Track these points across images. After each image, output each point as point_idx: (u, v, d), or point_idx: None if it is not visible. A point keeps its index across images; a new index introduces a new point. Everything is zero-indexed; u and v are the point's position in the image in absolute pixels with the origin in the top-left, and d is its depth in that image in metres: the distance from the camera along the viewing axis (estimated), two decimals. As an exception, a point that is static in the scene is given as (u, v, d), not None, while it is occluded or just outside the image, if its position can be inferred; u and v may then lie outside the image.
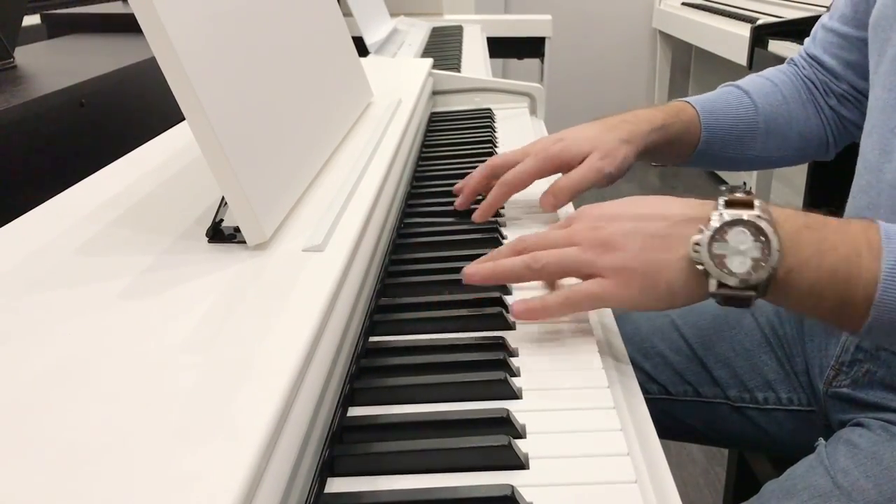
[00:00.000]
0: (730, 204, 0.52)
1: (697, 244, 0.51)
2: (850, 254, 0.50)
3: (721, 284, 0.50)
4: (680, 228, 0.53)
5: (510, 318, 0.58)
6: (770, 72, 0.91)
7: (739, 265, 0.50)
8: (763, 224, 0.50)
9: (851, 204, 0.74)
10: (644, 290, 0.52)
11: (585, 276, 0.55)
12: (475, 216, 0.75)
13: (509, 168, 0.75)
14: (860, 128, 0.75)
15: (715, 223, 0.51)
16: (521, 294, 0.60)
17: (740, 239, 0.50)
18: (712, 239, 0.50)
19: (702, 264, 0.51)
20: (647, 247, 0.53)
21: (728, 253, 0.50)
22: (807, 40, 0.90)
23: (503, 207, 0.79)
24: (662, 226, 0.54)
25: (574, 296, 0.54)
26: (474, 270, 0.57)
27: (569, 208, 0.79)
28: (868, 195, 0.70)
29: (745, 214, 0.51)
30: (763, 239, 0.50)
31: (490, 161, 0.78)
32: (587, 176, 0.73)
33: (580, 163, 0.74)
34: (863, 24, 0.78)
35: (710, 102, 0.85)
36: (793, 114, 0.87)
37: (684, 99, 0.86)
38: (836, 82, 0.86)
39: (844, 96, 0.86)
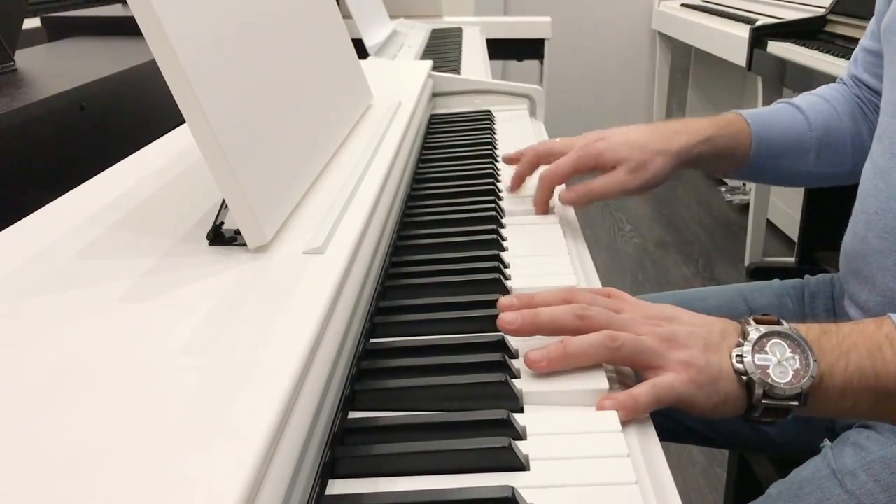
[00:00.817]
0: (758, 322, 0.54)
1: (740, 355, 0.52)
2: (873, 349, 0.52)
3: (766, 395, 0.51)
4: (725, 338, 0.54)
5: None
6: (823, 90, 0.92)
7: (781, 375, 0.51)
8: (795, 335, 0.52)
9: (859, 208, 0.74)
10: (709, 396, 0.52)
11: (645, 368, 0.53)
12: (537, 211, 0.80)
13: (552, 156, 0.81)
14: None
15: (754, 335, 0.53)
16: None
17: (779, 350, 0.52)
18: (753, 350, 0.52)
19: (746, 374, 0.51)
20: (708, 349, 0.53)
21: (770, 364, 0.51)
22: (849, 64, 0.91)
23: (503, 213, 0.79)
24: (716, 332, 0.54)
25: (659, 391, 0.50)
26: (540, 356, 0.51)
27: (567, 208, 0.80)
28: (877, 199, 0.70)
29: (777, 328, 0.53)
30: (800, 350, 0.52)
31: (536, 148, 0.83)
32: (611, 188, 0.78)
33: (612, 167, 0.78)
34: None
35: (762, 116, 0.86)
36: (846, 128, 0.87)
37: (737, 111, 0.87)
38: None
39: None
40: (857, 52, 0.90)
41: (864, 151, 0.87)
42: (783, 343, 0.52)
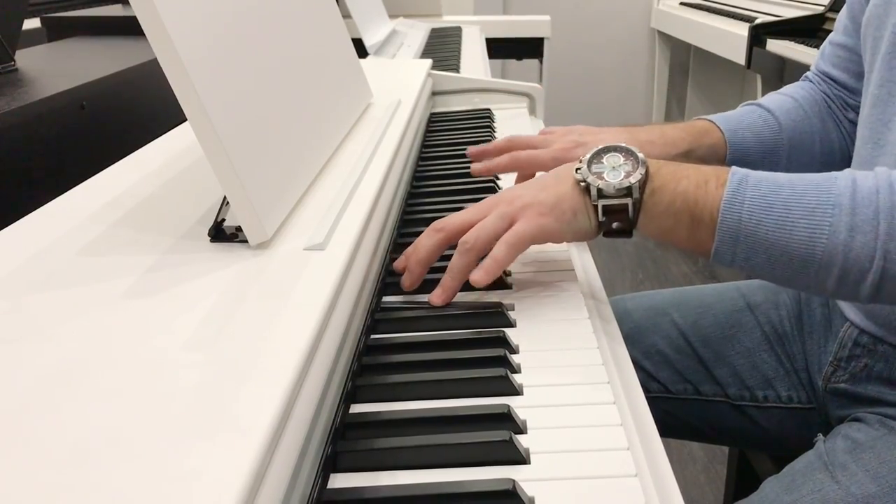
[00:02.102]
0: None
1: (578, 168, 0.61)
2: (700, 181, 0.58)
3: (601, 194, 0.59)
4: (564, 170, 0.63)
5: (511, 314, 0.58)
6: (790, 88, 0.92)
7: (614, 176, 0.59)
8: (632, 148, 0.60)
9: None
10: (558, 218, 0.60)
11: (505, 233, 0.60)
12: (474, 168, 0.80)
13: (528, 149, 0.80)
14: None
15: (591, 151, 0.61)
16: (523, 310, 0.60)
17: (614, 160, 0.60)
18: (590, 161, 0.61)
19: (584, 181, 0.60)
20: (544, 187, 0.62)
21: (604, 170, 0.60)
22: (815, 58, 0.91)
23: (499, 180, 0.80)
24: (550, 175, 0.64)
25: (511, 238, 0.59)
26: (437, 294, 0.60)
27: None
28: None
29: (614, 144, 0.61)
30: (633, 158, 0.60)
31: (513, 140, 0.82)
32: None
33: None
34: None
35: (735, 121, 0.85)
36: (815, 128, 0.87)
37: (708, 117, 0.86)
38: (851, 95, 0.85)
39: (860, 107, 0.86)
40: (824, 46, 0.89)
41: (832, 149, 0.87)
42: (618, 154, 0.60)
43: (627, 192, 0.58)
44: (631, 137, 0.79)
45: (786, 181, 0.56)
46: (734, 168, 0.58)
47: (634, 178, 0.58)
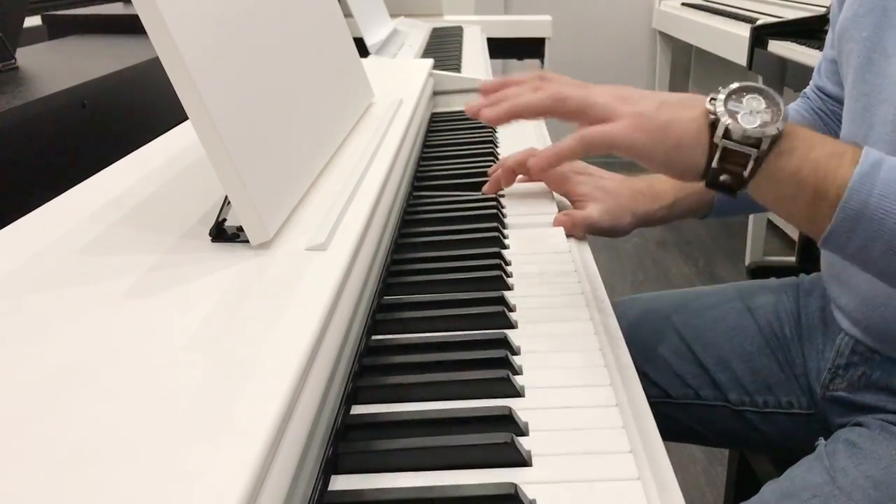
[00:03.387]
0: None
1: (714, 99, 0.54)
2: (835, 153, 0.53)
3: (727, 135, 0.52)
4: (694, 98, 0.56)
5: (512, 316, 0.58)
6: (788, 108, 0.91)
7: (750, 121, 0.52)
8: (776, 95, 0.53)
9: None
10: (654, 138, 0.54)
11: (597, 122, 0.56)
12: (486, 189, 0.79)
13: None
14: None
15: (732, 86, 0.54)
16: (524, 311, 0.59)
17: (754, 104, 0.53)
18: (728, 97, 0.54)
19: (715, 114, 0.53)
20: (665, 104, 0.55)
21: (741, 111, 0.53)
22: (814, 73, 0.90)
23: (504, 207, 0.80)
24: (676, 96, 0.57)
25: (588, 134, 0.54)
26: (482, 105, 0.57)
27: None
28: None
29: (758, 86, 0.54)
30: (775, 106, 0.53)
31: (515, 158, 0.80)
32: (585, 220, 0.75)
33: (579, 198, 0.77)
34: None
35: None
36: None
37: None
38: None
39: None
40: (819, 61, 0.89)
41: None
42: (760, 97, 0.54)
43: (757, 142, 0.52)
44: (626, 185, 0.79)
45: None
46: (867, 148, 0.53)
47: (771, 130, 0.52)
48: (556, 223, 0.75)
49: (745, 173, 0.53)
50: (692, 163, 0.54)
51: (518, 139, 1.04)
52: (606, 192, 0.77)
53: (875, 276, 0.56)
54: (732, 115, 0.53)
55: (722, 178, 0.53)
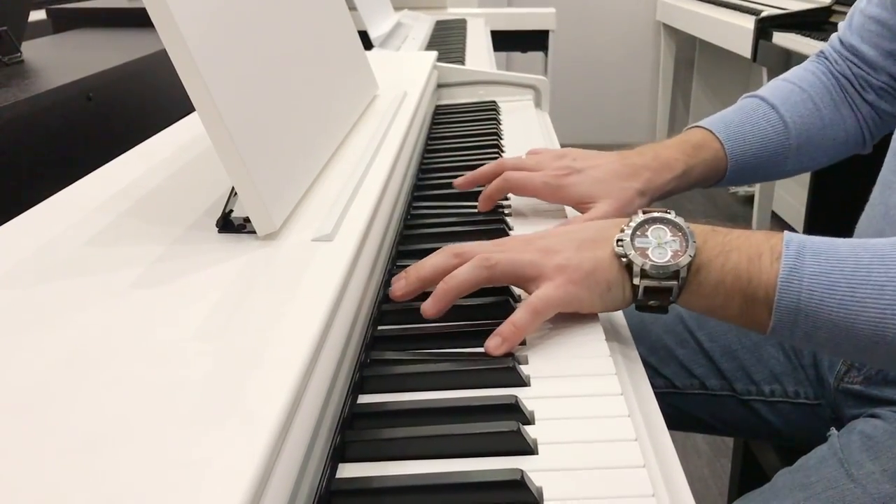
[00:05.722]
0: (647, 213, 0.56)
1: (620, 240, 0.54)
2: (753, 255, 0.52)
3: (644, 274, 0.53)
4: (606, 230, 0.56)
5: (517, 306, 0.58)
6: (797, 74, 0.85)
7: (660, 255, 0.53)
8: (679, 221, 0.54)
9: (878, 199, 0.72)
10: (587, 287, 0.54)
11: (527, 282, 0.55)
12: (480, 206, 0.75)
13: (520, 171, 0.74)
14: None
15: (636, 221, 0.55)
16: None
17: (660, 234, 0.54)
18: (634, 234, 0.54)
19: (626, 257, 0.53)
20: (582, 247, 0.55)
21: (649, 246, 0.53)
22: (841, 25, 0.84)
23: (508, 198, 0.79)
24: (591, 231, 0.57)
25: (535, 302, 0.53)
26: (428, 302, 0.55)
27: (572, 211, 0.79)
28: (886, 205, 0.69)
29: (661, 215, 0.55)
30: (681, 234, 0.54)
31: (503, 163, 0.76)
32: None
33: (580, 202, 0.73)
34: None
35: (735, 128, 0.80)
36: (826, 121, 0.82)
37: (705, 125, 0.80)
38: (875, 74, 0.80)
39: (884, 88, 0.81)
40: (853, 15, 0.82)
41: (845, 140, 0.82)
42: (664, 227, 0.54)
43: (675, 274, 0.52)
44: (626, 163, 0.75)
45: (848, 251, 0.51)
46: (787, 236, 0.52)
47: (684, 261, 0.52)
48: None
49: (672, 298, 0.53)
50: (622, 300, 0.55)
51: (522, 130, 1.05)
52: (605, 183, 0.73)
53: (830, 356, 0.54)
54: (643, 252, 0.53)
55: (651, 303, 0.54)
